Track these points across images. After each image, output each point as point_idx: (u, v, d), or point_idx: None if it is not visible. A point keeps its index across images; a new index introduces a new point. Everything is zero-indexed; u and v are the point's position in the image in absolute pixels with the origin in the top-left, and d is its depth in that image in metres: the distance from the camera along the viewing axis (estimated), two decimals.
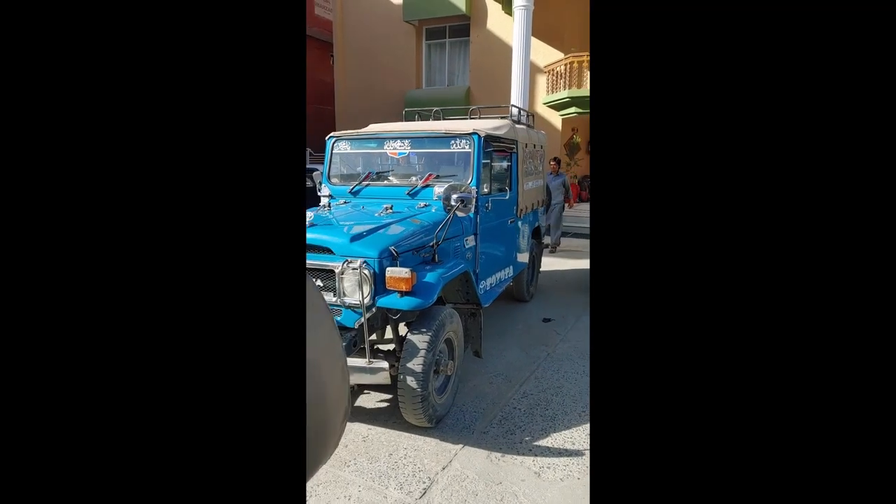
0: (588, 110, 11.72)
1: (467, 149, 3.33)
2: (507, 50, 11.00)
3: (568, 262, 6.94)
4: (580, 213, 10.55)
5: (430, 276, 2.50)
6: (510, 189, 3.94)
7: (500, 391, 3.10)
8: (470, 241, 3.28)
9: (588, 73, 11.58)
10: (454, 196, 2.68)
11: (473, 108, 4.39)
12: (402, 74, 14.36)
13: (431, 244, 2.70)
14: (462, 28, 13.79)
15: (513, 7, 9.68)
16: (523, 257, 4.49)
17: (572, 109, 11.91)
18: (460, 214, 2.78)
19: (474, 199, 2.84)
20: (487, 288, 3.63)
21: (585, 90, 11.51)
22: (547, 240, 5.46)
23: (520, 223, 4.25)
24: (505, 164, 3.95)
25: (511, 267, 4.11)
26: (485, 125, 3.46)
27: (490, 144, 3.41)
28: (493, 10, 13.08)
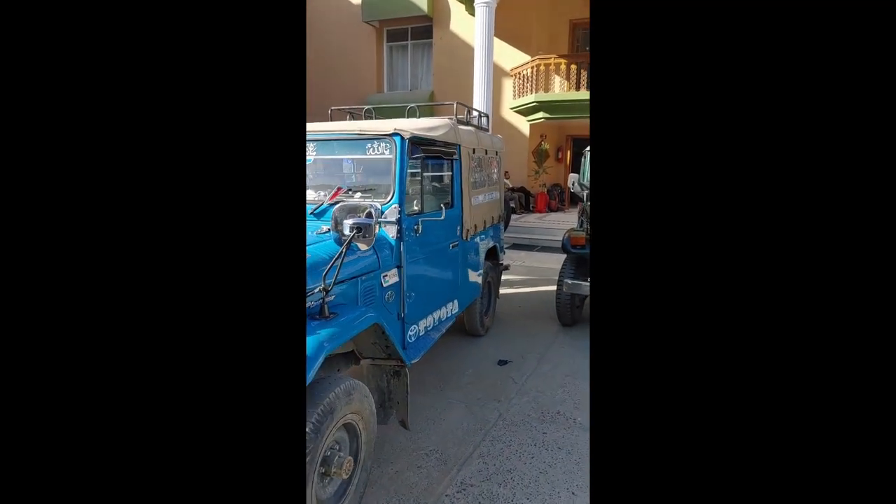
0: (555, 116, 11.12)
1: (387, 154, 2.55)
2: (471, 52, 10.29)
3: (533, 283, 6.22)
4: (549, 225, 9.89)
5: (307, 343, 1.69)
6: (451, 205, 3.17)
7: (430, 481, 2.30)
8: (391, 278, 2.49)
9: (555, 76, 11.00)
10: (349, 221, 1.89)
11: (411, 105, 3.62)
12: (362, 78, 13.54)
13: (320, 289, 1.90)
14: (425, 29, 13.09)
15: (474, 4, 9.00)
16: (474, 285, 3.72)
17: (540, 115, 11.30)
18: (361, 246, 1.98)
19: (378, 225, 2.03)
20: (420, 334, 2.84)
21: (553, 94, 10.91)
22: (505, 260, 4.72)
23: (470, 244, 3.49)
24: (445, 174, 3.19)
25: (456, 301, 3.34)
26: (414, 124, 2.70)
27: (419, 149, 2.64)
28: (457, 11, 12.42)
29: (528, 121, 11.97)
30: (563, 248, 4.15)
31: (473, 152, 3.48)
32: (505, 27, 12.15)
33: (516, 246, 8.71)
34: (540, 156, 12.39)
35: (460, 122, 3.66)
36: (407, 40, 13.52)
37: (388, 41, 13.68)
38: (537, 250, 8.41)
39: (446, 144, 2.97)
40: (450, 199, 3.18)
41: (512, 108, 12.03)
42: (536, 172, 12.20)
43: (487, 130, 4.42)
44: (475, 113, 4.11)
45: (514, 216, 10.72)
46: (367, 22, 13.09)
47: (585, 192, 4.41)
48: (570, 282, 3.95)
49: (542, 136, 12.51)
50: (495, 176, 4.22)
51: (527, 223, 9.86)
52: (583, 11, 12.04)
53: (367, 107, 3.81)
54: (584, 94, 10.50)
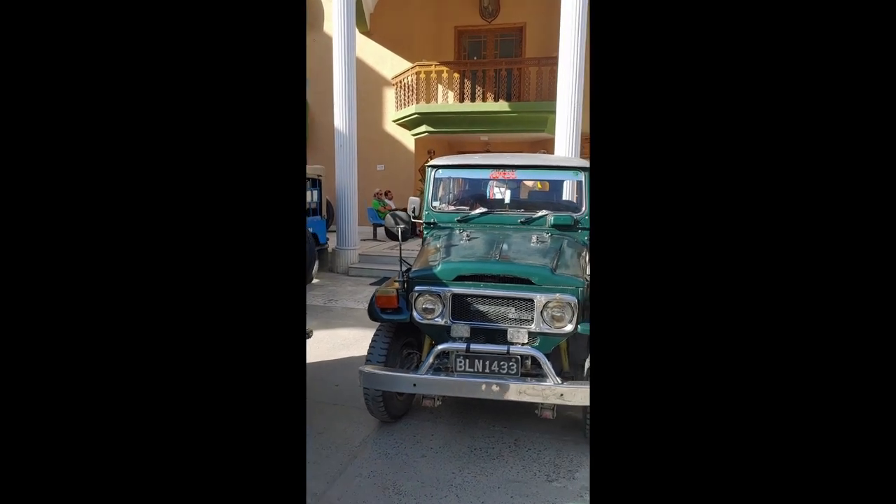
0: (440, 129, 9.95)
1: None
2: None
3: None
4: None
5: None
6: None
7: None
8: None
9: (439, 86, 9.87)
10: None
11: None
12: None
13: None
14: None
15: None
16: None
17: (423, 128, 10.08)
18: None
19: None
20: None
21: (435, 105, 9.75)
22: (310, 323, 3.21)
23: None
24: None
25: None
26: None
27: None
28: (331, 11, 10.97)
29: (413, 135, 10.73)
30: (370, 314, 2.72)
31: None
32: (385, 32, 10.92)
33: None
34: None
35: None
36: None
37: None
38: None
39: None
40: None
41: (395, 121, 10.74)
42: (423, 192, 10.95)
43: None
44: None
45: (394, 243, 9.31)
46: None
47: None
48: (368, 370, 2.50)
49: (429, 151, 11.31)
50: None
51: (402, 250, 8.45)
52: (468, 19, 11.12)
53: None
54: (471, 106, 9.44)
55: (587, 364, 2.47)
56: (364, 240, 9.70)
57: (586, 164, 3.60)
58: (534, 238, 2.89)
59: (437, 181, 3.57)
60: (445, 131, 9.98)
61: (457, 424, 2.91)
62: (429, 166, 3.60)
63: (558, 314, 2.36)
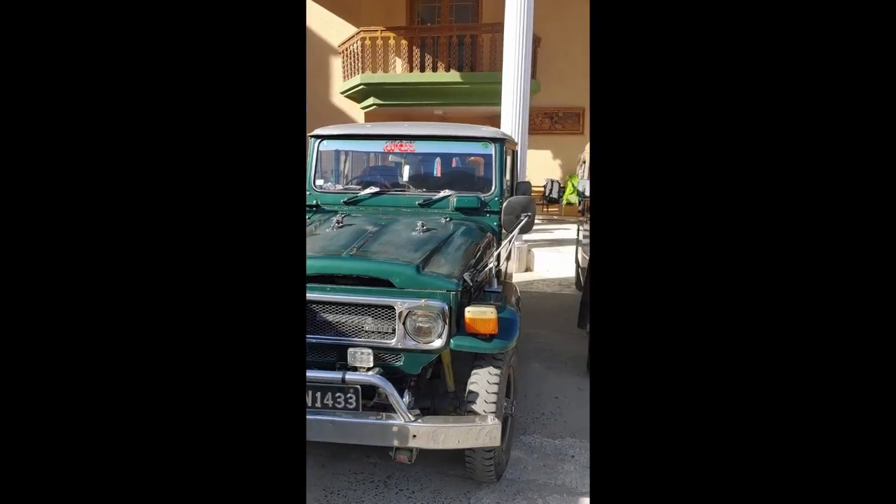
0: (389, 101, 9.23)
1: None
2: None
3: None
4: None
5: None
6: None
7: None
8: None
9: (391, 55, 9.12)
10: None
11: None
12: None
13: None
14: None
15: None
16: None
17: (371, 100, 9.34)
18: None
19: None
20: None
21: (382, 75, 9.00)
22: None
23: None
24: None
25: None
26: None
27: None
28: None
29: (362, 108, 9.98)
30: None
31: None
32: None
33: None
34: None
35: None
36: None
37: None
38: None
39: None
40: None
41: (342, 93, 9.96)
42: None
43: None
44: None
45: None
46: None
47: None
48: None
49: None
50: None
51: None
52: None
53: None
54: (420, 77, 8.74)
55: (469, 386, 1.93)
56: None
57: (499, 133, 3.02)
58: (419, 225, 2.32)
59: (322, 155, 2.96)
60: (395, 104, 9.27)
61: (324, 455, 2.36)
62: (312, 136, 2.98)
63: (424, 325, 1.81)
